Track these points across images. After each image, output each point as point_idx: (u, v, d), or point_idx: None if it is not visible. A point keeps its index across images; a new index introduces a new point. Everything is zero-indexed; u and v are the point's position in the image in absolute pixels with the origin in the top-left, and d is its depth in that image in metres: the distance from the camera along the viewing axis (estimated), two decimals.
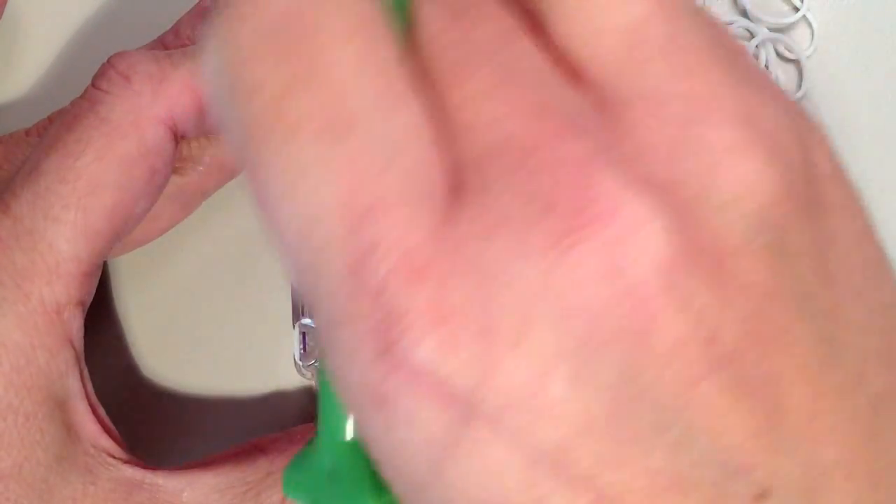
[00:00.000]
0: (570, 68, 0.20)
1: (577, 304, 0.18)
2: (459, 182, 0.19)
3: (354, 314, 0.18)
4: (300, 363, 0.36)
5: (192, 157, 0.35)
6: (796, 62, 0.38)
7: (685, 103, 0.20)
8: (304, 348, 0.36)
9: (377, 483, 0.23)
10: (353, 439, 0.24)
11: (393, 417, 0.19)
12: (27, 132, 0.36)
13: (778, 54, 0.38)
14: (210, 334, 0.39)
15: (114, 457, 0.31)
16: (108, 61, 0.31)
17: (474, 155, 0.19)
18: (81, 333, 0.31)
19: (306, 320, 0.36)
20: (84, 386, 0.31)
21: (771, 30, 0.38)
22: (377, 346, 0.18)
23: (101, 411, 0.32)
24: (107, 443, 0.31)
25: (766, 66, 0.38)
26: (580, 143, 0.19)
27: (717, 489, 0.20)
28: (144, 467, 0.31)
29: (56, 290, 0.30)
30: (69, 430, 0.31)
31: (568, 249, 0.18)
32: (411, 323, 0.18)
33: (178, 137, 0.32)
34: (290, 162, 0.18)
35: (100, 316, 0.38)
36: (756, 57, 0.38)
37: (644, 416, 0.19)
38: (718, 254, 0.19)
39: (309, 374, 0.36)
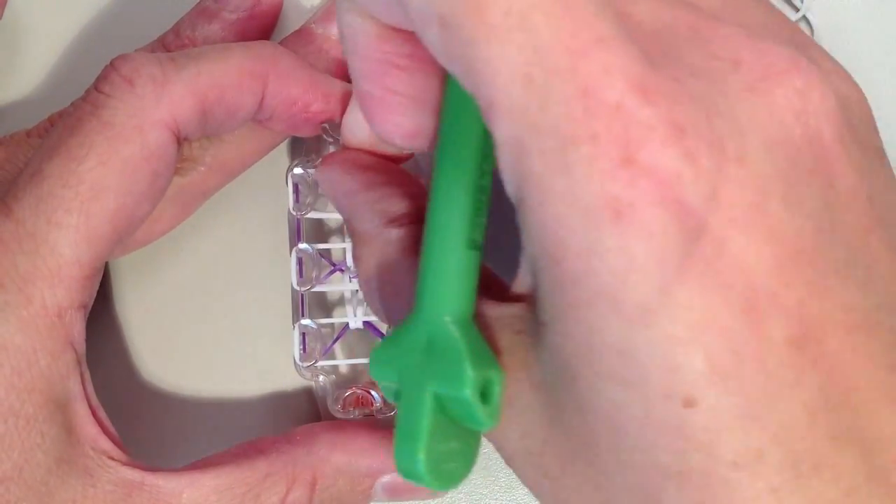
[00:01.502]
0: None
1: (779, 137, 0.22)
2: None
3: (593, 129, 0.21)
4: (300, 364, 0.36)
5: (194, 157, 0.35)
6: None
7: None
8: (304, 349, 0.36)
9: (477, 357, 0.25)
10: (456, 314, 0.25)
11: (629, 230, 0.21)
12: (28, 133, 0.36)
13: None
14: (210, 335, 0.39)
15: (113, 458, 0.31)
16: (111, 64, 0.31)
17: (644, 32, 0.23)
18: (83, 336, 0.31)
19: (306, 321, 0.36)
20: (84, 388, 0.31)
21: None
22: (621, 154, 0.21)
23: (102, 413, 0.32)
24: (106, 444, 0.31)
25: None
26: (732, 26, 0.23)
27: (893, 335, 0.22)
28: (144, 469, 0.31)
29: (58, 293, 0.30)
30: (69, 432, 0.31)
31: (765, 92, 0.22)
32: (654, 132, 0.21)
33: (180, 140, 0.32)
34: (511, 6, 0.21)
35: (100, 317, 0.38)
36: None
37: (838, 251, 0.22)
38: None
39: (309, 375, 0.36)
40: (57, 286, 0.30)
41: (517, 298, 0.25)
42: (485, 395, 0.25)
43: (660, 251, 0.21)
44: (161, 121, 0.31)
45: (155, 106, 0.31)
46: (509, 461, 0.26)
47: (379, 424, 0.36)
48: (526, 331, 0.25)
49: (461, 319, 0.25)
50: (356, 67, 0.27)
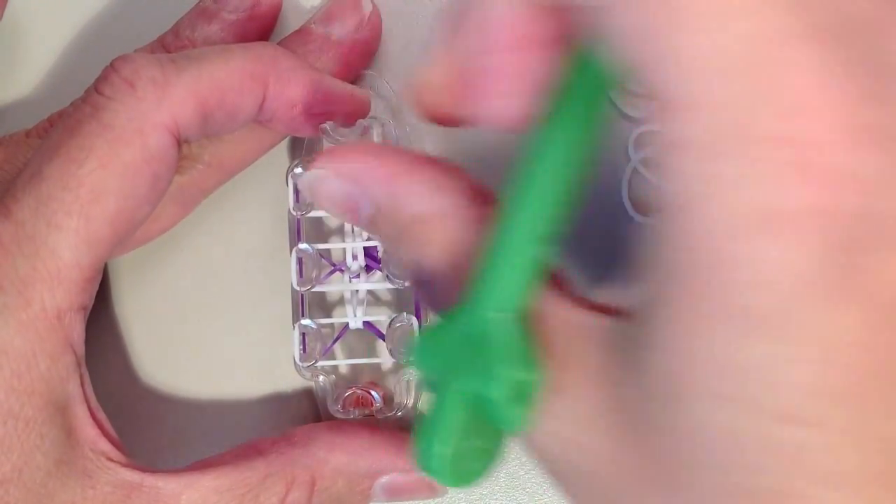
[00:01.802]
0: None
1: None
2: None
3: (775, 133, 0.20)
4: (300, 364, 0.36)
5: (192, 155, 0.35)
6: None
7: None
8: (304, 349, 0.36)
9: (517, 357, 0.24)
10: (506, 310, 0.24)
11: (781, 240, 0.20)
12: (28, 133, 0.36)
13: None
14: (210, 335, 0.39)
15: (112, 460, 0.31)
16: (112, 65, 0.31)
17: (853, 24, 0.21)
18: (83, 337, 0.31)
19: (306, 321, 0.36)
20: (84, 390, 0.31)
21: None
22: (795, 160, 0.20)
23: (101, 415, 0.32)
24: (105, 446, 0.31)
25: None
26: None
27: None
28: (143, 470, 0.31)
29: (57, 296, 0.30)
30: (69, 434, 0.31)
31: None
32: (833, 142, 0.20)
33: (180, 142, 0.32)
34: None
35: (100, 317, 0.38)
36: None
37: None
38: None
39: (308, 375, 0.36)
40: (56, 289, 0.30)
41: (605, 309, 0.24)
42: (518, 397, 0.24)
43: (809, 264, 0.20)
44: (162, 123, 0.31)
45: (156, 109, 0.30)
46: (559, 476, 0.25)
47: (379, 424, 0.36)
48: (613, 345, 0.23)
49: (511, 317, 0.24)
50: (478, 40, 0.25)
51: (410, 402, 0.36)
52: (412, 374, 0.36)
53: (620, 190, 0.38)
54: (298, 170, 0.36)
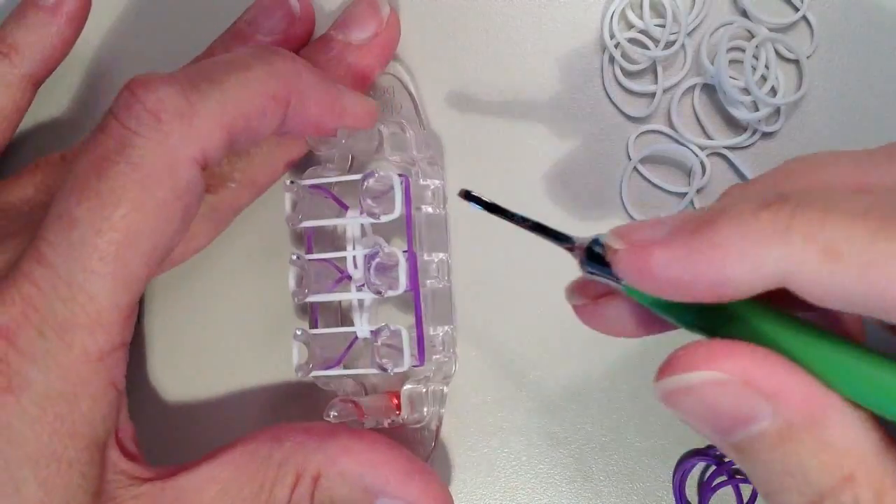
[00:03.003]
0: None
1: None
2: None
3: None
4: (308, 374, 0.36)
5: (223, 174, 0.36)
6: (796, 62, 0.37)
7: None
8: (307, 357, 0.36)
9: None
10: None
11: None
12: (63, 156, 0.37)
13: (778, 54, 0.37)
14: (214, 336, 0.39)
15: (134, 477, 0.32)
16: (133, 92, 0.30)
17: None
18: (125, 372, 0.31)
19: (310, 330, 0.36)
20: (118, 417, 0.32)
21: (771, 30, 0.37)
22: None
23: (124, 431, 0.32)
24: (125, 465, 0.32)
25: (766, 66, 0.37)
26: None
27: None
28: (164, 477, 0.32)
29: (99, 339, 0.30)
30: (103, 467, 0.31)
31: None
32: None
33: (206, 168, 0.31)
34: None
35: None
36: (756, 57, 0.37)
37: None
38: None
39: (320, 384, 0.37)
40: (97, 332, 0.30)
41: None
42: None
43: None
44: (191, 157, 0.30)
45: (184, 143, 0.30)
46: None
47: (401, 439, 0.36)
48: None
49: None
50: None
51: (427, 413, 0.37)
52: (429, 384, 0.36)
53: (620, 190, 0.38)
54: (294, 181, 0.36)
